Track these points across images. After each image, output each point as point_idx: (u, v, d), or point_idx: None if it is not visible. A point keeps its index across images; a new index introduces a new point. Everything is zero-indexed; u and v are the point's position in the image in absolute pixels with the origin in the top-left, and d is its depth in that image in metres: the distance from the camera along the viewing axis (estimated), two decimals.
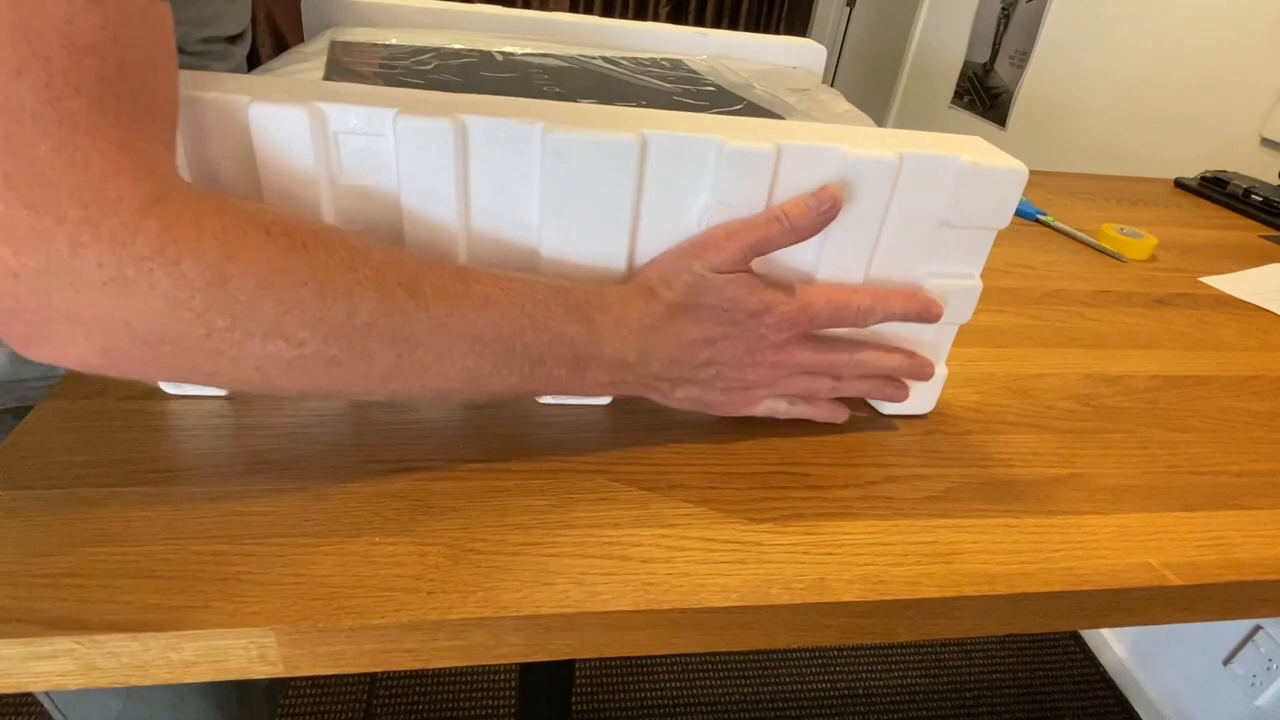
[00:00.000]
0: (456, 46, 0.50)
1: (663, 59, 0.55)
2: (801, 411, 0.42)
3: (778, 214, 0.36)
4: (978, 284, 0.41)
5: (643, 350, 0.36)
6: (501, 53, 0.51)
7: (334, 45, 0.47)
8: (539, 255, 0.38)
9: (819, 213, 0.36)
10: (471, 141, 0.34)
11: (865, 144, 0.37)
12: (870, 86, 2.58)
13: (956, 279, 0.41)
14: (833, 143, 0.36)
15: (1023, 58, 1.72)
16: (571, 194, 0.36)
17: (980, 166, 0.37)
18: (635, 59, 0.54)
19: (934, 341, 0.43)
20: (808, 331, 0.39)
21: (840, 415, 0.43)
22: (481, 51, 0.50)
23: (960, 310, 0.42)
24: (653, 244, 0.38)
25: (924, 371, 0.43)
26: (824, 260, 0.39)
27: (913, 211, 0.38)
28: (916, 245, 0.40)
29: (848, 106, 0.48)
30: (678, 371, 0.38)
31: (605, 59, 0.52)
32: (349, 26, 0.49)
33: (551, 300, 0.34)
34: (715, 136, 0.35)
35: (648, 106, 0.42)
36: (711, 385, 0.39)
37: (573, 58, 0.52)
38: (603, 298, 0.36)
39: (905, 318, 0.40)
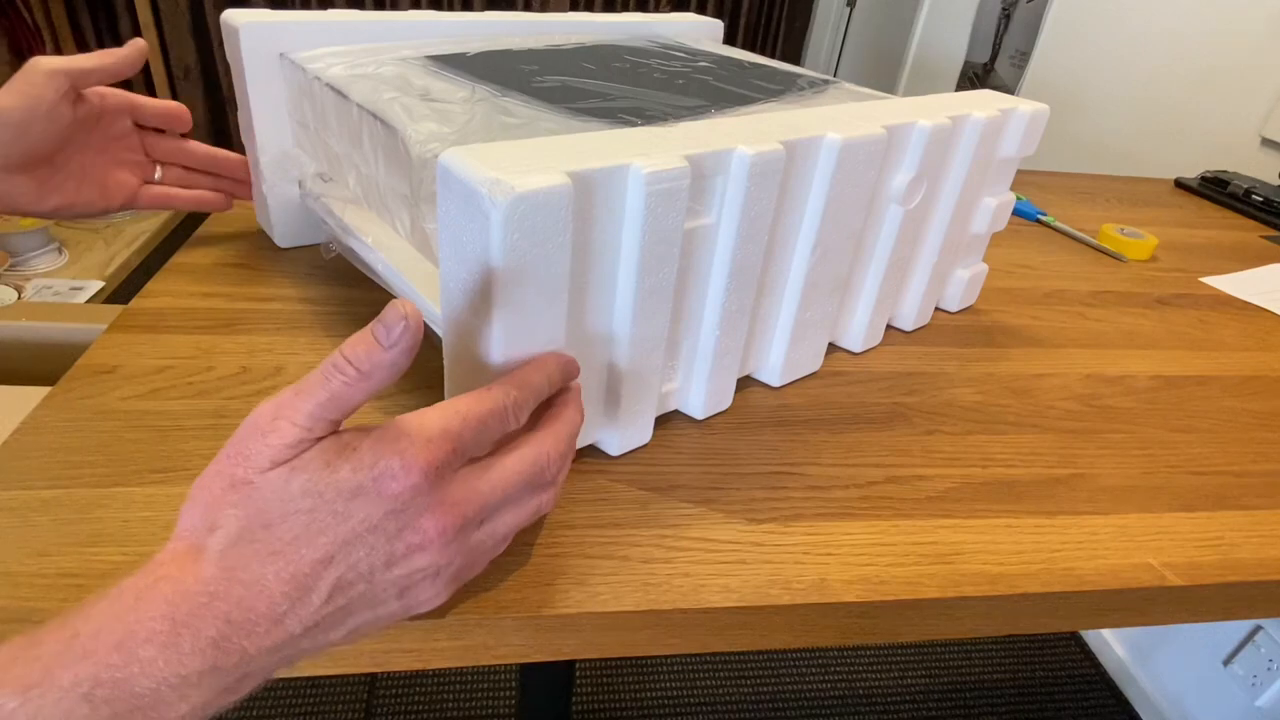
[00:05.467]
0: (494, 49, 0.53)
1: (668, 46, 0.58)
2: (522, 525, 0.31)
3: (337, 362, 0.25)
4: (1013, 197, 0.55)
5: (216, 648, 0.23)
6: (530, 50, 0.53)
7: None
8: (812, 256, 0.42)
9: (391, 347, 0.25)
10: (792, 163, 0.38)
11: (981, 107, 0.47)
12: (870, 86, 2.56)
13: (1005, 196, 0.54)
14: (966, 110, 0.46)
15: (1023, 58, 1.72)
16: (842, 194, 0.41)
17: (1031, 112, 0.49)
18: (640, 49, 0.57)
19: (978, 246, 0.56)
20: (455, 465, 0.27)
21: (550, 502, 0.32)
22: (515, 50, 0.53)
23: (1004, 219, 0.55)
24: (872, 220, 0.46)
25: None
26: (958, 199, 0.49)
27: (994, 151, 0.50)
28: (988, 175, 0.51)
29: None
30: (298, 627, 0.25)
31: (630, 50, 0.56)
32: (303, 51, 0.48)
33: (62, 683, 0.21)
34: (917, 120, 0.43)
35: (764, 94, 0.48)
36: (371, 603, 0.26)
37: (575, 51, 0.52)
38: (122, 621, 0.22)
39: (552, 388, 0.32)
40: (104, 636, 0.22)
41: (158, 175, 0.54)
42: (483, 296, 0.30)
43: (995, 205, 0.53)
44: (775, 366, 0.46)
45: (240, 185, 0.56)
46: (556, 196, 0.29)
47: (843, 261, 0.45)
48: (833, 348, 0.52)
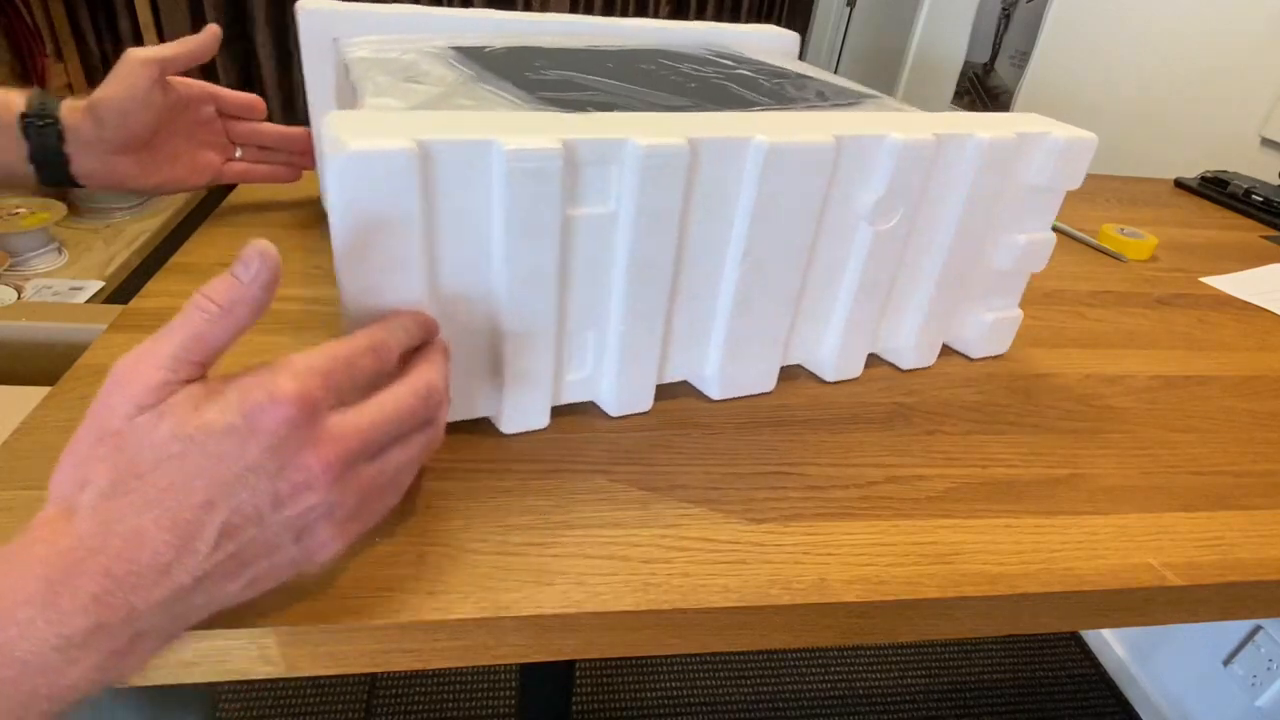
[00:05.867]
0: (541, 45, 0.53)
1: (724, 56, 0.57)
2: (415, 464, 0.31)
3: (197, 301, 0.26)
4: (1053, 236, 0.49)
5: (99, 604, 0.22)
6: (566, 50, 0.53)
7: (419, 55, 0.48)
8: (741, 266, 0.40)
9: (251, 282, 0.26)
10: (701, 160, 0.36)
11: (991, 128, 0.43)
12: (870, 86, 2.56)
13: (1039, 234, 0.49)
14: (969, 129, 0.42)
15: (1023, 58, 1.72)
16: (776, 203, 0.38)
17: (1068, 139, 0.44)
18: (692, 57, 0.55)
19: (1009, 287, 0.51)
20: (329, 402, 0.27)
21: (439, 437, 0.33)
22: (559, 50, 0.53)
23: (1041, 259, 0.50)
24: (831, 237, 0.42)
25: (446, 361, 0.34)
26: (957, 228, 0.45)
27: (1016, 180, 0.46)
28: (1014, 208, 0.47)
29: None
30: (187, 577, 0.24)
31: (665, 57, 0.54)
32: (355, 37, 0.51)
33: None
34: (889, 133, 0.39)
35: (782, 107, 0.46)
36: (267, 549, 0.26)
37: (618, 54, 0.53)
38: None
39: (412, 340, 0.32)
40: None
41: (238, 154, 0.60)
42: (337, 251, 0.31)
43: (1025, 242, 0.48)
44: (711, 378, 0.44)
45: (306, 157, 0.62)
46: (393, 159, 0.30)
47: (787, 275, 0.42)
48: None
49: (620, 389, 0.41)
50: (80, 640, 0.22)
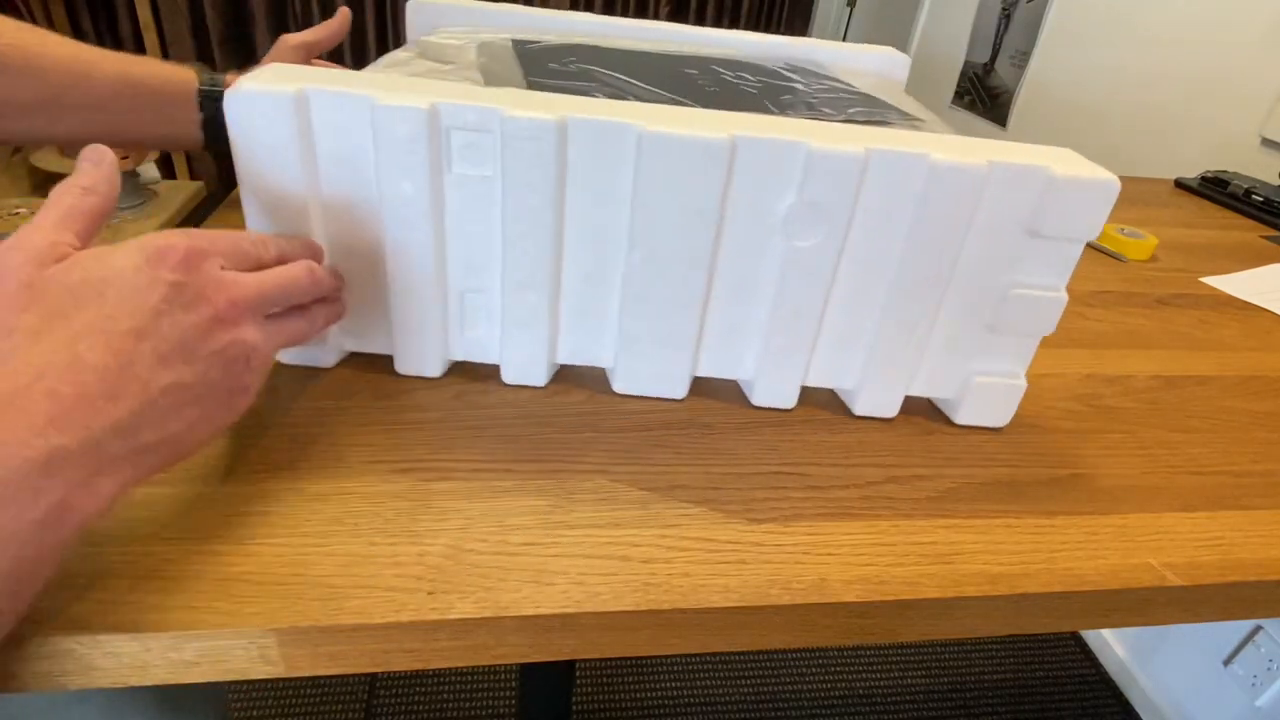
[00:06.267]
0: (599, 45, 0.54)
1: (786, 69, 0.56)
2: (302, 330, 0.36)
3: (58, 188, 0.29)
4: (1063, 296, 0.41)
5: (53, 426, 0.23)
6: (620, 50, 0.54)
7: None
8: (629, 257, 0.39)
9: (98, 166, 0.30)
10: (571, 139, 0.36)
11: (952, 151, 0.37)
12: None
13: (1041, 290, 0.41)
14: (920, 148, 0.37)
15: (1023, 58, 1.72)
16: (662, 195, 0.37)
17: (1071, 178, 0.37)
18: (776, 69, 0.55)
19: (1006, 349, 0.43)
20: (217, 262, 0.30)
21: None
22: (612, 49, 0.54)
23: (1044, 321, 0.42)
24: (739, 245, 0.39)
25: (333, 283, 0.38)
26: (907, 262, 0.39)
27: (998, 220, 0.38)
28: (1000, 254, 0.39)
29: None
30: (135, 402, 0.25)
31: (721, 65, 0.54)
32: (448, 28, 0.54)
33: None
34: (804, 140, 0.36)
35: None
36: (201, 387, 0.28)
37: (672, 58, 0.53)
38: None
39: (294, 251, 0.36)
40: None
41: None
42: (238, 174, 0.37)
43: (1017, 297, 0.40)
44: (612, 370, 0.44)
45: None
46: (271, 100, 0.34)
47: (686, 277, 0.39)
48: None
49: (509, 356, 0.43)
50: (41, 464, 0.22)
